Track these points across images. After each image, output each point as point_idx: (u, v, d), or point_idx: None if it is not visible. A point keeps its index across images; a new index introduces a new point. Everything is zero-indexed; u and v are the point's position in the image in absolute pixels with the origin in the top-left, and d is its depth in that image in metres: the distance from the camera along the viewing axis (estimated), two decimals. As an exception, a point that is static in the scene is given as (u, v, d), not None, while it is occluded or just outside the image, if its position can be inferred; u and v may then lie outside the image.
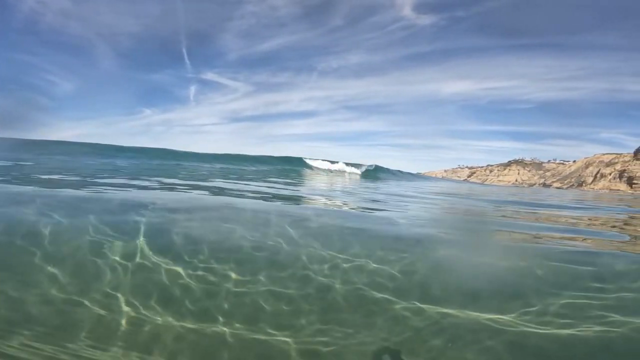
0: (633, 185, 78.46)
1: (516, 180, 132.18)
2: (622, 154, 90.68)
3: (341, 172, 27.69)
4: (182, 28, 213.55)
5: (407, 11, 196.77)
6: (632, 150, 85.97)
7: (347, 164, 30.45)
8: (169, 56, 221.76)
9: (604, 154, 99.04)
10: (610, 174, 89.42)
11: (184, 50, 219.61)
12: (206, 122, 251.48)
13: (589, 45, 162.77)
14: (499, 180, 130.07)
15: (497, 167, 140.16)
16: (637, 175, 79.26)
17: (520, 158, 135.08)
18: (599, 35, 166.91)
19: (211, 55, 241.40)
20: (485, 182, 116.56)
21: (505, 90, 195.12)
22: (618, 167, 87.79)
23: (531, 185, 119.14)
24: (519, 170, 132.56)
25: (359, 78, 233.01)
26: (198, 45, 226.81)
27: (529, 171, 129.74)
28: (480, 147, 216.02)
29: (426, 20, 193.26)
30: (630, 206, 10.87)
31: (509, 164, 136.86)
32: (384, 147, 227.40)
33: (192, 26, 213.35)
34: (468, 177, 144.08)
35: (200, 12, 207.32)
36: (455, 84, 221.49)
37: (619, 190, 77.97)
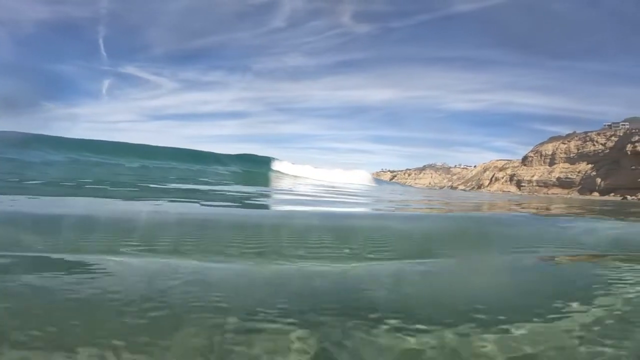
0: (521, 187, 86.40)
1: (429, 183, 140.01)
2: (512, 160, 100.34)
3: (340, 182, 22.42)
4: (102, 17, 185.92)
5: (346, 18, 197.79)
6: (520, 157, 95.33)
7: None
8: (81, 46, 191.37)
9: (498, 160, 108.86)
10: (503, 178, 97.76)
11: (101, 41, 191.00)
12: (121, 119, 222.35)
13: (494, 60, 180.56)
14: (416, 183, 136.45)
15: (414, 170, 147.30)
16: (524, 178, 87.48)
17: (433, 163, 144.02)
18: (502, 50, 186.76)
19: (133, 48, 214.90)
20: (405, 184, 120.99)
21: (423, 100, 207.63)
22: (509, 171, 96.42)
23: (442, 187, 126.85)
24: (432, 173, 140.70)
25: (294, 81, 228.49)
26: (119, 37, 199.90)
27: (440, 175, 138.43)
28: (400, 152, 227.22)
29: (363, 28, 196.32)
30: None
31: (424, 168, 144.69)
32: (315, 151, 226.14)
33: (116, 16, 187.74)
34: (390, 179, 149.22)
35: (126, 1, 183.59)
36: (382, 91, 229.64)
37: (509, 191, 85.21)
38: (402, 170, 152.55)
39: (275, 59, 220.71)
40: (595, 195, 60.04)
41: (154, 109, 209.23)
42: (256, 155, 27.74)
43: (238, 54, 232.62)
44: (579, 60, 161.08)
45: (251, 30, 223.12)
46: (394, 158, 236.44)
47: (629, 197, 52.46)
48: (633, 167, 60.25)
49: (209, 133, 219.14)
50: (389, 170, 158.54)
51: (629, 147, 62.86)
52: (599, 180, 66.68)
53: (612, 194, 57.84)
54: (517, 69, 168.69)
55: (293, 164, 27.02)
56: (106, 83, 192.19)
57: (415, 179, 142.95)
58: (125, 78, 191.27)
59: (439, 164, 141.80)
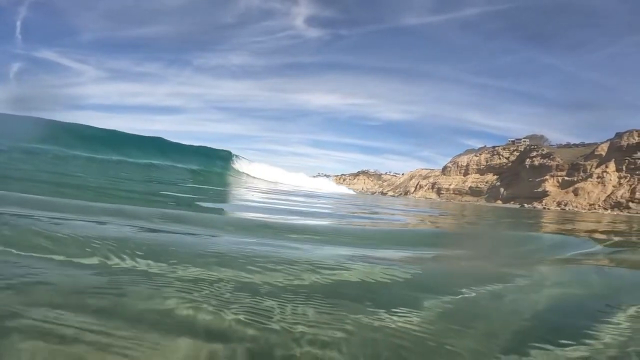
0: (440, 195, 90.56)
1: (362, 189, 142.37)
2: (434, 169, 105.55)
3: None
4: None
5: (299, 21, 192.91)
6: (441, 167, 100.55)
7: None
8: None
9: (422, 169, 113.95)
10: (426, 185, 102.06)
11: (18, 23, 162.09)
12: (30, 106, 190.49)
13: (428, 73, 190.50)
14: (350, 188, 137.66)
15: (349, 176, 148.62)
16: (443, 186, 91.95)
17: (366, 169, 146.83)
18: (436, 64, 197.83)
19: (56, 32, 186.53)
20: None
21: (362, 108, 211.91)
22: (431, 180, 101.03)
23: (373, 193, 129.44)
24: (364, 179, 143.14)
25: (236, 79, 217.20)
26: (42, 20, 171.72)
27: (372, 181, 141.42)
28: (337, 157, 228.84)
29: (314, 33, 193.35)
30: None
31: (358, 174, 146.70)
32: (253, 152, 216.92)
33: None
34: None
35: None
36: (324, 96, 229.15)
37: (431, 198, 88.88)
38: (337, 175, 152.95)
39: (220, 55, 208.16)
40: (499, 203, 64.17)
41: (70, 97, 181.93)
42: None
43: (179, 47, 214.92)
44: (494, 78, 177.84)
45: (198, 24, 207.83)
46: (331, 163, 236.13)
47: (526, 205, 56.50)
48: (530, 179, 65.79)
49: (136, 127, 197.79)
50: (324, 175, 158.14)
51: (527, 161, 68.75)
52: (502, 189, 71.92)
53: (512, 202, 62.23)
54: (445, 84, 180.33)
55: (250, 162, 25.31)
56: (15, 67, 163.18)
57: (349, 184, 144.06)
58: (40, 63, 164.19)
59: (371, 170, 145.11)
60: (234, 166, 23.88)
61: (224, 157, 24.37)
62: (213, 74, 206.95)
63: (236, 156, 25.30)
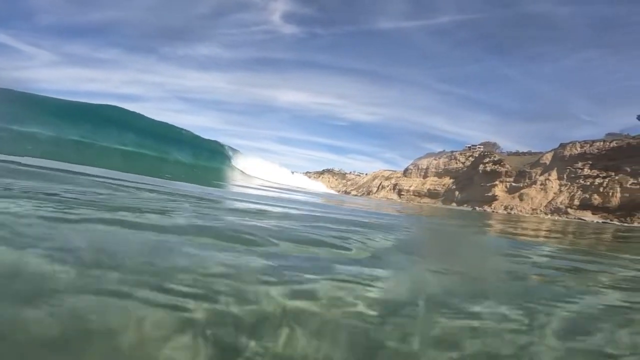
0: (401, 196, 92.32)
1: (327, 187, 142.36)
2: (396, 171, 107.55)
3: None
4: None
5: (276, 17, 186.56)
6: (402, 169, 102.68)
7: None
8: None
9: (385, 170, 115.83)
10: (388, 186, 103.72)
11: None
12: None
13: (395, 76, 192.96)
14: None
15: (314, 174, 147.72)
16: (404, 188, 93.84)
17: (331, 168, 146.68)
18: (404, 69, 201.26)
19: (13, 14, 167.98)
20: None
21: (331, 107, 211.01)
22: (393, 181, 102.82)
23: (338, 192, 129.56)
24: (329, 178, 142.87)
25: (203, 70, 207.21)
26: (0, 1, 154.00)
27: (337, 180, 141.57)
28: (303, 155, 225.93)
29: (289, 29, 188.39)
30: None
31: (323, 172, 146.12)
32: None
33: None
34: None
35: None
36: (293, 94, 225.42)
37: (392, 198, 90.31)
38: (302, 173, 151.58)
39: (188, 45, 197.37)
40: (453, 205, 66.29)
41: (17, 80, 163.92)
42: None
43: (144, 33, 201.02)
44: (457, 86, 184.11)
45: (168, 12, 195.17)
46: (296, 160, 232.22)
47: (477, 208, 58.67)
48: (482, 184, 68.64)
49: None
50: (291, 172, 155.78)
51: (480, 167, 71.71)
52: (457, 193, 74.58)
53: (466, 204, 64.52)
54: (412, 88, 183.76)
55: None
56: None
57: (314, 182, 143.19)
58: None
59: (336, 169, 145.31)
60: (233, 163, 21.78)
61: (220, 151, 22.14)
62: (178, 64, 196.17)
63: (232, 149, 23.44)
